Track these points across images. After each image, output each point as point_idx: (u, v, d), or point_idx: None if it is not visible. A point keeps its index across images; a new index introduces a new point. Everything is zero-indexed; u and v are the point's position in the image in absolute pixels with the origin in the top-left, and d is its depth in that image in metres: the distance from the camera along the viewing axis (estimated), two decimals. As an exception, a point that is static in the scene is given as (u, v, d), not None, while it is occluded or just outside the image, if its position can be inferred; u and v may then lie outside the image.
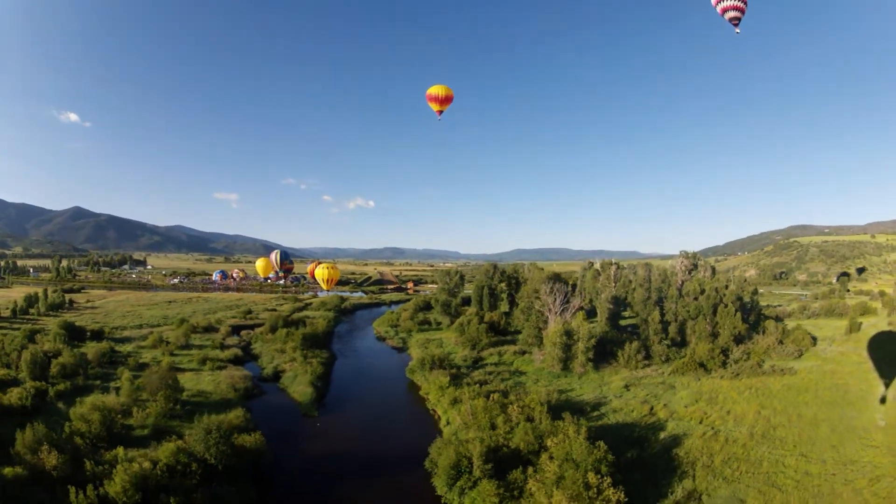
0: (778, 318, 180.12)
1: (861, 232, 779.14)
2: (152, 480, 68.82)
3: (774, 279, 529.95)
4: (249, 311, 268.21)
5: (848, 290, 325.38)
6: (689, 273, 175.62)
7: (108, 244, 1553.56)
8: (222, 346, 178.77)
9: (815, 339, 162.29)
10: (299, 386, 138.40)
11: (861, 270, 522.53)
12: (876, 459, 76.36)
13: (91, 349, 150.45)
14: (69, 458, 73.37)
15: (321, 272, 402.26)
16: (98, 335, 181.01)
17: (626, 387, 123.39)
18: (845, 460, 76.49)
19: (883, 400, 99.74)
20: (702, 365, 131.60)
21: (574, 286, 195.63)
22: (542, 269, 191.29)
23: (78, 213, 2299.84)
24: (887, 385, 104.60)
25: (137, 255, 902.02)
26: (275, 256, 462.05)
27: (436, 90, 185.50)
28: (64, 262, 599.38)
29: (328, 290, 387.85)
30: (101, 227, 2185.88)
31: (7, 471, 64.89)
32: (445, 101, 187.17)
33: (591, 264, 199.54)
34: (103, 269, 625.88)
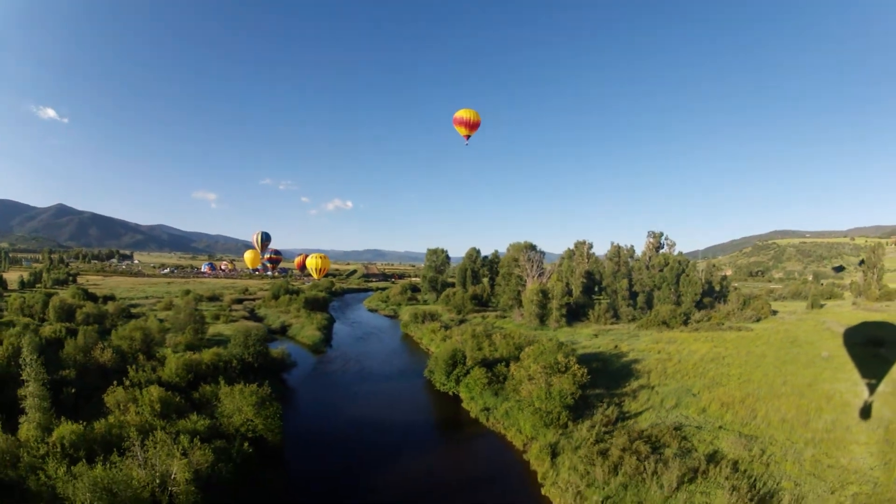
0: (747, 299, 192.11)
1: (842, 237, 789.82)
2: (200, 368, 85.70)
3: (750, 276, 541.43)
4: (247, 290, 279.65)
5: (821, 283, 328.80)
6: (657, 251, 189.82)
7: (91, 242, 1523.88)
8: (230, 310, 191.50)
9: (775, 312, 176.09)
10: (307, 332, 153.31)
11: (839, 269, 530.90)
12: (818, 373, 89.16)
13: (110, 305, 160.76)
14: (119, 358, 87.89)
15: (312, 262, 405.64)
16: (110, 299, 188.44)
17: (596, 335, 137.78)
18: (787, 375, 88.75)
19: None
20: (665, 323, 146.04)
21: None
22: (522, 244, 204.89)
23: (62, 211, 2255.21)
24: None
25: (124, 251, 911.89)
26: (256, 237, 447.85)
27: (464, 114, 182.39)
28: (55, 255, 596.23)
29: (318, 280, 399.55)
30: (84, 225, 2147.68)
31: (65, 372, 76.30)
32: (474, 125, 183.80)
33: (572, 253, 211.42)
34: (92, 261, 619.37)
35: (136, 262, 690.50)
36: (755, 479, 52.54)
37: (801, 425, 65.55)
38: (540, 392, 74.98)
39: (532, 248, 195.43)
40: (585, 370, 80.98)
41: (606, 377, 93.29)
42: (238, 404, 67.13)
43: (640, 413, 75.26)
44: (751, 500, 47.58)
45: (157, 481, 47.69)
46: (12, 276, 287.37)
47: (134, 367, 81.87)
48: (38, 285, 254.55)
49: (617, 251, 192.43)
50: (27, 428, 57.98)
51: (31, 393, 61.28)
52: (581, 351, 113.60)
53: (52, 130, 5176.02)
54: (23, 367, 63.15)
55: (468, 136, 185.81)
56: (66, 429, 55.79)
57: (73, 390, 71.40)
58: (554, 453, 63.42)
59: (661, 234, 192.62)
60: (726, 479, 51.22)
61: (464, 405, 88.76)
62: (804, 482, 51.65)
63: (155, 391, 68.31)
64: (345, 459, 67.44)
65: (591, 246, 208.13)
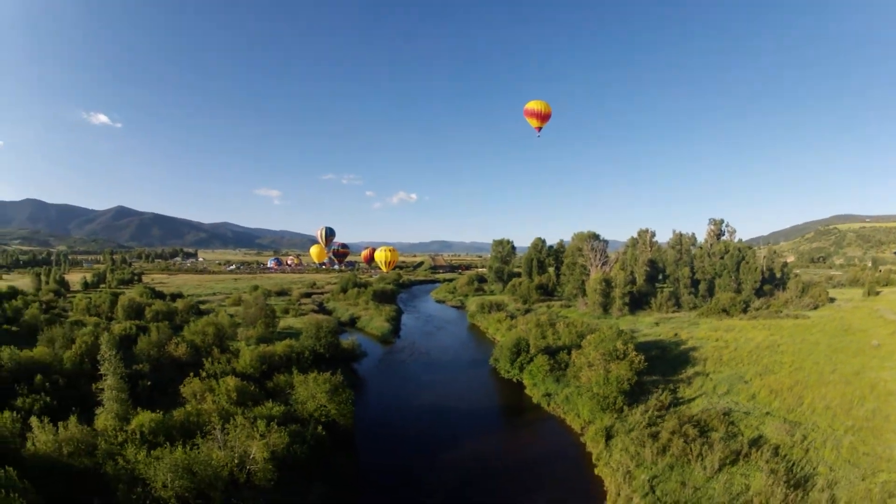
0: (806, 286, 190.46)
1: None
2: (273, 359, 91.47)
3: (812, 262, 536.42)
4: (314, 284, 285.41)
5: (879, 270, 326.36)
6: (718, 238, 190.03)
7: (153, 242, 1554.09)
8: (299, 304, 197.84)
9: (833, 300, 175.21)
10: (376, 324, 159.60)
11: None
12: (866, 362, 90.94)
13: (179, 302, 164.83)
14: (193, 352, 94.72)
15: (381, 255, 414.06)
16: (178, 297, 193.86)
17: (657, 323, 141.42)
18: (837, 363, 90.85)
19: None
20: (724, 311, 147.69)
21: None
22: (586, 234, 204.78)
23: (121, 213, 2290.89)
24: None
25: (188, 250, 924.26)
26: (320, 232, 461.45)
27: (535, 106, 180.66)
28: (117, 256, 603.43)
29: (386, 273, 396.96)
30: (145, 226, 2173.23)
31: (139, 366, 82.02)
32: (545, 117, 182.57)
33: (635, 241, 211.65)
34: (156, 260, 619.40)
35: (200, 259, 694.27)
36: (793, 464, 55.94)
37: (844, 413, 67.76)
38: (598, 378, 79.83)
39: (595, 237, 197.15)
40: (642, 357, 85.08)
41: (664, 364, 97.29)
42: (312, 391, 70.95)
43: (693, 399, 79.09)
44: (786, 483, 50.67)
45: (236, 461, 50.94)
46: (74, 278, 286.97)
47: (209, 359, 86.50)
48: (103, 286, 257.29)
49: (679, 239, 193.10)
50: (105, 418, 61.35)
51: (108, 386, 64.97)
52: (641, 339, 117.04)
53: (106, 135, 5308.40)
54: (101, 362, 66.64)
55: (539, 128, 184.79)
56: (144, 417, 58.96)
57: (148, 383, 76.10)
58: (608, 436, 68.41)
59: (722, 221, 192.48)
60: (766, 462, 54.88)
61: (527, 391, 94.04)
62: (839, 468, 54.37)
63: (231, 381, 72.11)
64: (412, 443, 73.39)
65: (653, 234, 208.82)
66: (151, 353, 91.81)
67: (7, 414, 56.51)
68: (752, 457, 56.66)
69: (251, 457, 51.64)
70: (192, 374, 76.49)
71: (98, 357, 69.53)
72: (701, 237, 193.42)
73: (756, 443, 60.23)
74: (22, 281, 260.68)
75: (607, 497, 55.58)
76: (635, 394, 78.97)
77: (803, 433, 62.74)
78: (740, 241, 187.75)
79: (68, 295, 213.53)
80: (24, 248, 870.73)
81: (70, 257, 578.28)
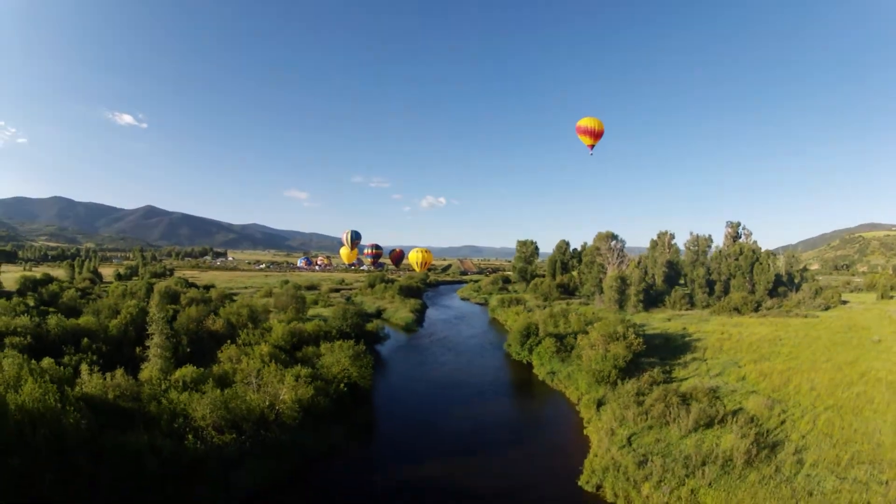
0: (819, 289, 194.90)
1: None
2: (303, 335, 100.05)
3: (835, 269, 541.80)
4: (343, 280, 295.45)
5: None
6: (734, 240, 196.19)
7: (182, 241, 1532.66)
8: (328, 296, 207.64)
9: (845, 302, 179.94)
10: (401, 314, 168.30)
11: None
12: (862, 354, 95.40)
13: (213, 292, 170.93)
14: (229, 327, 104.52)
15: (415, 255, 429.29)
16: (211, 287, 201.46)
17: (668, 319, 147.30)
18: (833, 354, 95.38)
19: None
20: (736, 309, 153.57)
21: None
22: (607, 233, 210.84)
23: (150, 212, 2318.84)
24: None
25: (218, 249, 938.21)
26: (346, 235, 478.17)
27: (588, 123, 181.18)
28: (147, 253, 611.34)
29: (417, 273, 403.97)
30: (174, 225, 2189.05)
31: (181, 339, 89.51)
32: (598, 134, 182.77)
33: (655, 243, 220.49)
34: (186, 259, 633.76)
35: (230, 259, 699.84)
36: (767, 431, 61.69)
37: (828, 395, 72.76)
38: (597, 356, 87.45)
39: (614, 237, 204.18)
40: (641, 340, 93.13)
41: (665, 351, 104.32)
42: (337, 357, 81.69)
43: (685, 379, 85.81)
44: (756, 444, 56.45)
45: (267, 402, 61.68)
46: (107, 272, 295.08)
47: (244, 332, 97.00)
48: (135, 278, 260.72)
49: (695, 240, 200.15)
50: (150, 370, 72.33)
51: (155, 344, 76.07)
52: (650, 331, 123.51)
53: (132, 136, 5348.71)
54: (149, 323, 78.25)
55: (592, 146, 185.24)
56: (186, 370, 68.61)
57: (188, 349, 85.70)
58: (600, 404, 76.48)
59: (739, 224, 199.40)
60: (739, 427, 60.42)
61: (534, 371, 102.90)
62: (812, 438, 59.48)
63: (265, 346, 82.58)
64: (426, 406, 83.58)
65: (672, 237, 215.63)
66: (190, 326, 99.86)
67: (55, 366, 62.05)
68: (727, 423, 62.25)
69: (280, 398, 62.95)
70: (228, 341, 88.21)
71: (147, 319, 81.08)
72: (719, 241, 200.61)
73: (735, 413, 65.50)
74: (55, 272, 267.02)
75: (591, 450, 62.29)
76: (632, 371, 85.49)
77: (783, 408, 67.79)
78: (754, 242, 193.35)
79: (102, 284, 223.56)
80: (52, 244, 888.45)
81: (99, 254, 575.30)
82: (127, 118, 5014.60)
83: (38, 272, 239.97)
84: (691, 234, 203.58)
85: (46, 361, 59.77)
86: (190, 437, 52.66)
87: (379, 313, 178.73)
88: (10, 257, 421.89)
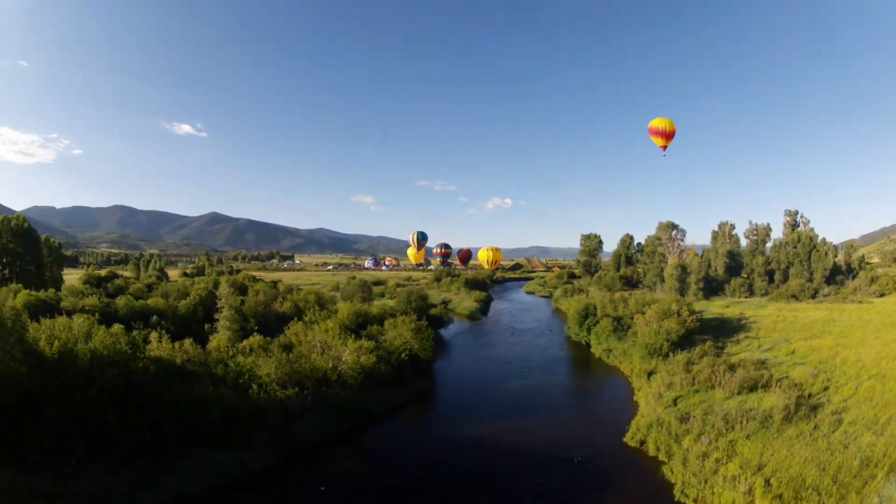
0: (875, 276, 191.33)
1: None
2: (368, 316, 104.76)
3: (894, 261, 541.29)
4: (409, 277, 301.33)
5: None
6: (792, 229, 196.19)
7: (248, 247, 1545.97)
8: (394, 290, 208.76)
9: None
10: (465, 304, 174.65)
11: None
12: None
13: (280, 286, 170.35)
14: (296, 310, 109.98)
15: (484, 253, 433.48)
16: (278, 282, 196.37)
17: (727, 306, 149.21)
18: (883, 333, 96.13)
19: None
20: (794, 296, 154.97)
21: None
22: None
23: (215, 219, 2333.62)
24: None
25: (284, 253, 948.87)
26: (412, 236, 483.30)
27: (659, 124, 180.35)
28: (213, 257, 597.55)
29: (485, 269, 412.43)
30: (239, 231, 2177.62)
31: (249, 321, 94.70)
32: (670, 135, 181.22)
33: (716, 234, 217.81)
34: (252, 262, 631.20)
35: (297, 261, 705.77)
36: (810, 395, 64.91)
37: (873, 366, 74.33)
38: (651, 331, 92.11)
39: (674, 226, 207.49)
40: (694, 317, 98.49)
41: (720, 331, 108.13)
42: (399, 331, 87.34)
43: (736, 354, 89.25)
44: (796, 404, 59.84)
45: (330, 364, 65.34)
46: (172, 273, 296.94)
47: (310, 312, 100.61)
48: (205, 275, 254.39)
49: (754, 229, 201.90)
50: (218, 340, 76.48)
51: (223, 317, 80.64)
52: (707, 316, 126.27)
53: (192, 145, 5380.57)
54: (219, 298, 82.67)
55: (665, 147, 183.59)
56: (254, 339, 73.75)
57: (255, 327, 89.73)
58: (650, 374, 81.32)
59: (797, 213, 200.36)
60: (783, 391, 63.75)
61: (592, 350, 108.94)
62: (852, 401, 62.26)
63: (330, 322, 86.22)
64: (485, 379, 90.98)
65: (732, 227, 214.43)
66: (258, 309, 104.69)
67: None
68: (771, 388, 65.97)
69: (342, 360, 66.84)
70: (294, 319, 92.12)
71: (217, 293, 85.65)
72: (778, 231, 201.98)
73: (779, 381, 68.67)
74: (121, 271, 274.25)
75: (639, 411, 67.67)
76: (684, 345, 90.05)
77: (827, 377, 70.99)
78: (811, 230, 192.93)
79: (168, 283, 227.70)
80: (114, 250, 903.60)
81: (164, 258, 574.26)
82: (185, 128, 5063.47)
83: (102, 271, 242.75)
84: (750, 222, 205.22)
85: (116, 327, 61.52)
86: (254, 387, 56.61)
87: (445, 304, 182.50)
88: (71, 262, 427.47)
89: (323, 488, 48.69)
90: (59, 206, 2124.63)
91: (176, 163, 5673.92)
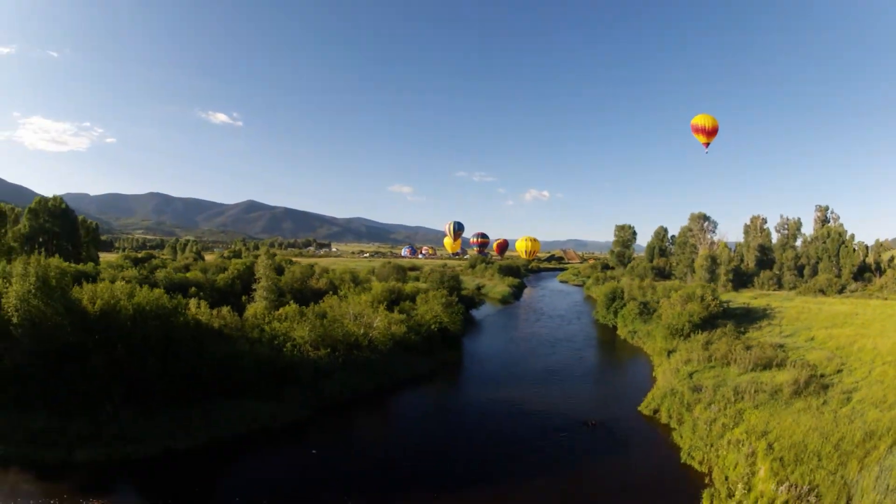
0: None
1: None
2: (400, 294, 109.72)
3: None
4: (445, 265, 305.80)
5: None
6: (823, 224, 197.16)
7: (285, 234, 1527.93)
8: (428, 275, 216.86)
9: None
10: (498, 289, 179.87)
11: None
12: None
13: (316, 268, 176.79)
14: (331, 287, 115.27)
15: (522, 244, 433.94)
16: (314, 265, 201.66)
17: (755, 298, 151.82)
18: None
19: None
20: (821, 291, 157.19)
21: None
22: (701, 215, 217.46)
23: (252, 206, 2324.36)
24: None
25: (321, 241, 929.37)
26: (448, 226, 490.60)
27: (702, 121, 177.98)
28: (249, 243, 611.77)
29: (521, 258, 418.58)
30: (276, 219, 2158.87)
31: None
32: (712, 132, 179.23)
33: (748, 228, 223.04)
34: (288, 249, 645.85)
35: (334, 249, 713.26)
36: (822, 375, 68.35)
37: (888, 353, 76.87)
38: (674, 313, 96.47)
39: (705, 218, 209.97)
40: (718, 301, 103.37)
41: (744, 319, 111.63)
42: (430, 305, 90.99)
43: (756, 338, 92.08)
44: (807, 382, 63.28)
45: (362, 330, 69.00)
46: (209, 258, 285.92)
47: (344, 287, 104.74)
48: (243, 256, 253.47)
49: (784, 223, 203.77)
50: (255, 308, 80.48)
51: (261, 287, 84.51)
52: (734, 305, 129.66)
53: (228, 134, 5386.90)
54: (256, 270, 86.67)
55: (707, 144, 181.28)
56: (289, 308, 77.64)
57: (291, 301, 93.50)
58: (671, 352, 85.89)
59: (827, 208, 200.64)
60: (797, 370, 67.42)
61: (618, 332, 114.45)
62: (863, 383, 65.16)
63: (364, 296, 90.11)
64: (512, 354, 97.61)
65: (764, 220, 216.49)
66: (295, 285, 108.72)
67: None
68: (785, 367, 69.75)
69: (374, 326, 70.59)
70: (329, 293, 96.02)
71: (256, 266, 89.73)
72: (809, 227, 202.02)
73: (795, 362, 72.30)
74: (158, 255, 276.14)
75: (657, 385, 71.98)
76: (706, 329, 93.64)
77: (842, 361, 74.19)
78: (840, 225, 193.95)
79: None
80: (149, 236, 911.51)
81: (200, 243, 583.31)
82: (221, 117, 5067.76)
83: (140, 253, 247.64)
84: (781, 216, 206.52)
85: (158, 291, 65.23)
86: (288, 346, 60.36)
87: (479, 289, 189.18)
88: (106, 247, 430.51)
89: (314, 451, 52.68)
90: (93, 193, 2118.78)
91: (211, 151, 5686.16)
